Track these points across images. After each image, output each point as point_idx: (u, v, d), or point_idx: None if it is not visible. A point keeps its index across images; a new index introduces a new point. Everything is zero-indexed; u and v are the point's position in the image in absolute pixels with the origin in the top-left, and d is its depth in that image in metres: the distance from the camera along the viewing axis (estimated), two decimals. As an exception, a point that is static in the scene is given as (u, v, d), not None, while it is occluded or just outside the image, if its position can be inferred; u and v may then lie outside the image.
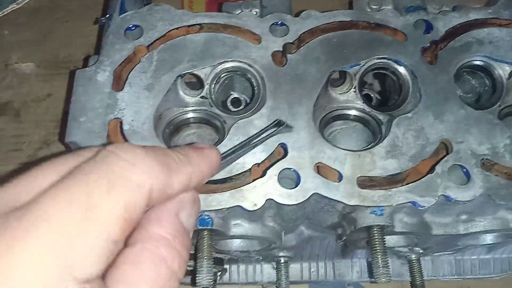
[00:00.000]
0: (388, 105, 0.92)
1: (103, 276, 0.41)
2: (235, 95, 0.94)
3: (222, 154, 0.63)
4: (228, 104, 0.93)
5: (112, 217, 0.41)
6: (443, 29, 0.88)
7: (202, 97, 0.85)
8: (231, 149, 0.71)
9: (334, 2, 1.40)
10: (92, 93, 0.80)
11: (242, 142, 0.75)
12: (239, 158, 0.74)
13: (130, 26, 0.86)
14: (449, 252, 1.02)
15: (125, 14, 0.87)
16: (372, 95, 0.97)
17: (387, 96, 0.97)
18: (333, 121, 0.87)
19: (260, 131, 0.77)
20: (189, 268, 0.87)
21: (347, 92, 0.87)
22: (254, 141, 0.75)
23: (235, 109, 0.93)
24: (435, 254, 1.03)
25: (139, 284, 0.43)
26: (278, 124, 0.77)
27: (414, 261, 0.95)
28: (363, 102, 0.86)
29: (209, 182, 0.73)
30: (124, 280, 0.43)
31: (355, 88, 0.86)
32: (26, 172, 0.45)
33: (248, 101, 0.94)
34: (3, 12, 1.24)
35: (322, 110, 0.85)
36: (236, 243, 0.87)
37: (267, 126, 0.78)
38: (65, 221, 0.39)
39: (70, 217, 0.39)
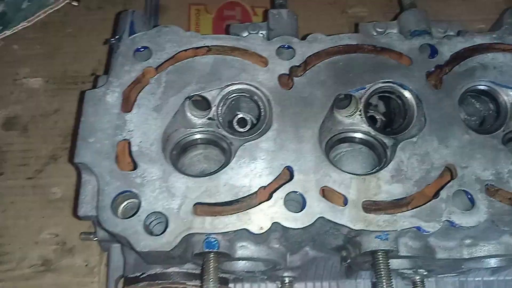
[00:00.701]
0: (392, 128, 0.93)
1: None
2: (241, 115, 0.95)
3: None
4: (234, 124, 0.94)
5: None
6: (448, 53, 0.89)
7: (209, 118, 0.86)
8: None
9: (341, 20, 1.42)
10: (101, 114, 0.81)
11: None
12: None
13: (139, 47, 0.87)
14: (453, 274, 1.02)
15: (134, 35, 0.89)
16: (377, 117, 0.98)
17: (391, 118, 0.98)
18: (339, 143, 0.88)
19: None
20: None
21: (352, 115, 0.88)
22: None
23: (241, 129, 0.94)
24: (439, 275, 1.03)
25: None
26: None
27: (418, 282, 0.95)
28: (369, 125, 0.87)
29: (216, 204, 0.74)
30: None
31: (360, 111, 0.87)
32: None
33: (254, 121, 0.95)
34: (13, 30, 1.25)
35: (327, 133, 0.86)
36: (241, 264, 0.87)
37: None
38: None
39: None
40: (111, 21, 1.36)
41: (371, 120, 0.91)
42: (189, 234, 0.72)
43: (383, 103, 1.02)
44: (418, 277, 0.96)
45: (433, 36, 0.93)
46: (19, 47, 1.39)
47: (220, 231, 0.72)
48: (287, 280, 0.98)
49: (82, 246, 1.13)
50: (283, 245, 0.81)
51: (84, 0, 1.44)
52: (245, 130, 0.94)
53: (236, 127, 0.94)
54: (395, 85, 0.87)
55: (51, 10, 1.23)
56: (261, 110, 0.86)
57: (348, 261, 0.82)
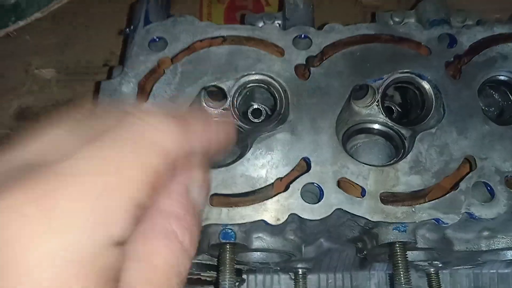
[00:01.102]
0: (410, 119, 0.92)
1: None
2: (256, 106, 0.95)
3: None
4: (249, 114, 0.94)
5: (141, 182, 0.40)
6: (467, 43, 0.88)
7: (224, 109, 0.86)
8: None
9: (354, 9, 1.40)
10: (117, 105, 0.81)
11: None
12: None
13: (154, 37, 0.87)
14: (468, 266, 1.01)
15: (149, 25, 0.88)
16: (393, 108, 0.97)
17: (408, 108, 0.96)
18: (356, 134, 0.87)
19: None
20: (210, 279, 0.88)
21: (369, 105, 0.87)
22: None
23: (256, 120, 0.93)
24: (454, 268, 1.03)
25: (152, 258, 0.43)
26: None
27: (433, 274, 0.95)
28: (386, 116, 0.86)
29: (232, 195, 0.74)
30: (136, 255, 0.42)
31: (377, 102, 0.86)
32: (45, 131, 0.43)
33: (269, 112, 0.95)
34: (27, 20, 1.25)
35: (344, 124, 0.85)
36: (256, 255, 0.87)
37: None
38: (99, 177, 0.38)
39: (104, 175, 0.38)
40: (124, 11, 1.35)
41: (387, 111, 0.90)
42: (205, 225, 0.71)
43: (399, 94, 1.01)
44: (432, 269, 0.96)
45: (452, 26, 0.91)
46: (31, 38, 1.39)
47: (237, 222, 0.71)
48: (300, 271, 0.98)
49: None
50: (299, 236, 0.80)
51: (96, -10, 1.44)
52: (260, 121, 0.94)
53: (251, 117, 0.93)
54: (413, 76, 0.86)
55: (65, 1, 1.23)
56: (277, 100, 0.86)
57: (364, 252, 0.82)
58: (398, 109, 0.98)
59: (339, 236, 0.83)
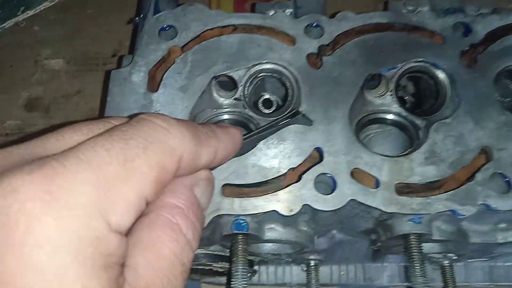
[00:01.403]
0: (423, 109, 0.91)
1: None
2: (267, 96, 0.93)
3: (243, 135, 0.66)
4: (260, 105, 0.92)
5: (146, 175, 0.41)
6: (483, 32, 0.86)
7: (235, 98, 0.85)
8: (251, 133, 0.74)
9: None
10: (127, 94, 0.80)
11: (262, 127, 0.76)
12: (258, 142, 0.75)
13: (164, 26, 0.85)
14: (483, 259, 1.00)
15: (159, 14, 0.87)
16: (406, 98, 0.96)
17: (421, 99, 0.95)
18: (369, 124, 0.86)
19: (279, 118, 0.78)
20: (222, 270, 0.88)
21: (383, 95, 0.85)
22: (273, 128, 0.76)
23: (267, 110, 0.92)
24: (468, 260, 1.01)
25: (157, 246, 0.44)
26: (296, 114, 0.78)
27: (447, 267, 0.94)
28: (400, 106, 0.84)
29: (244, 185, 0.73)
30: (142, 243, 0.43)
31: (391, 91, 0.84)
32: (55, 131, 0.46)
33: (280, 102, 0.94)
34: (35, 10, 1.24)
35: (357, 114, 0.84)
36: (267, 246, 0.86)
37: (285, 114, 0.79)
38: (104, 167, 0.39)
39: (109, 165, 0.39)
40: (132, 1, 1.34)
41: (401, 101, 0.88)
42: (217, 215, 0.70)
43: (412, 84, 0.99)
44: (447, 262, 0.94)
45: (466, 14, 0.90)
46: (40, 28, 1.38)
47: (249, 213, 0.70)
48: (312, 263, 0.97)
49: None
50: (311, 227, 0.79)
51: (104, -20, 1.43)
52: (271, 111, 0.93)
53: (262, 108, 0.92)
54: (427, 65, 0.84)
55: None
56: (288, 90, 0.84)
57: (378, 244, 0.81)
58: (411, 99, 0.96)
59: (352, 228, 0.82)
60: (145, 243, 0.43)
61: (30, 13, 1.21)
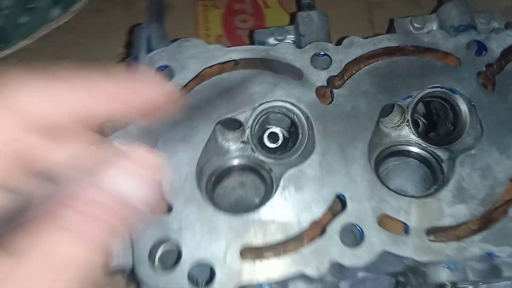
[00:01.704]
0: (438, 132, 0.86)
1: None
2: (272, 129, 0.87)
3: None
4: (265, 139, 0.86)
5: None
6: (498, 50, 0.81)
7: (243, 142, 0.78)
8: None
9: (360, 6, 1.32)
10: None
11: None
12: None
13: (160, 66, 0.78)
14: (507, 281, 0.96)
15: (153, 53, 0.80)
16: (419, 121, 0.90)
17: (434, 120, 0.90)
18: (387, 158, 0.80)
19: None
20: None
21: (399, 126, 0.80)
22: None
23: (273, 144, 0.86)
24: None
25: (49, 247, 0.35)
26: None
27: (472, 292, 0.90)
28: (418, 137, 0.79)
29: (264, 246, 0.67)
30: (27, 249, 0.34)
31: (408, 122, 0.79)
32: None
33: (286, 134, 0.88)
34: (14, 48, 1.15)
35: (375, 148, 0.78)
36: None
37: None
38: None
39: None
40: (115, 25, 1.26)
41: (414, 125, 0.83)
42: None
43: (423, 104, 0.94)
44: (471, 286, 0.90)
45: (479, 31, 0.84)
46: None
47: (273, 279, 0.64)
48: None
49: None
50: (337, 277, 0.74)
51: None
52: (277, 145, 0.87)
53: (267, 142, 0.86)
54: (444, 90, 0.79)
55: (55, 26, 1.12)
56: (298, 128, 0.78)
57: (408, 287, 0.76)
58: (424, 121, 0.91)
59: (378, 271, 0.77)
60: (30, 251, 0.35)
61: (9, 51, 1.11)
